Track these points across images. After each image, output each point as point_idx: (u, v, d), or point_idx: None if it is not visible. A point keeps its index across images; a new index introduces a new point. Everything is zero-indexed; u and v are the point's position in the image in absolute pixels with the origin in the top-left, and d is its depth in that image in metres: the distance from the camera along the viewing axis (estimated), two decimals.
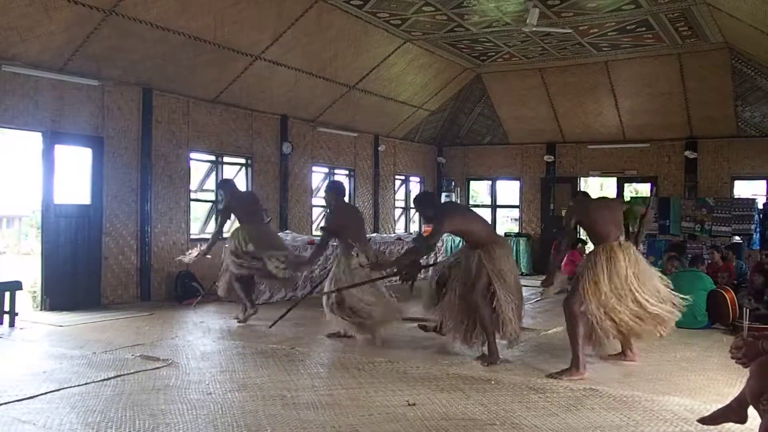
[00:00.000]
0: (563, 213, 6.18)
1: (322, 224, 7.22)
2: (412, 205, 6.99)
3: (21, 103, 8.21)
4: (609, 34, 11.15)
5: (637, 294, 5.70)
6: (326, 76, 11.63)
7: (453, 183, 16.29)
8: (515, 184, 16.30)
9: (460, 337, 6.27)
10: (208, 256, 8.33)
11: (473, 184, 17.58)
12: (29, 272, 9.47)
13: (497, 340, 6.07)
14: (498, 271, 5.99)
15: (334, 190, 7.34)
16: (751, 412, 3.24)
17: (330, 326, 7.11)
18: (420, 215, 6.70)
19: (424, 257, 7.00)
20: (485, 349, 6.10)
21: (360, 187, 14.24)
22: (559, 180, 15.37)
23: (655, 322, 5.83)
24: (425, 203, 6.46)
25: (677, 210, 12.62)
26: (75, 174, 9.21)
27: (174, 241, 10.07)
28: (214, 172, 11.08)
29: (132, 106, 9.51)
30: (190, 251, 8.62)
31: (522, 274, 14.46)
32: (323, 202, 13.54)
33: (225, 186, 8.46)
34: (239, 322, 7.91)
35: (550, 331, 7.60)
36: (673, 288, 8.20)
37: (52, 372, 5.47)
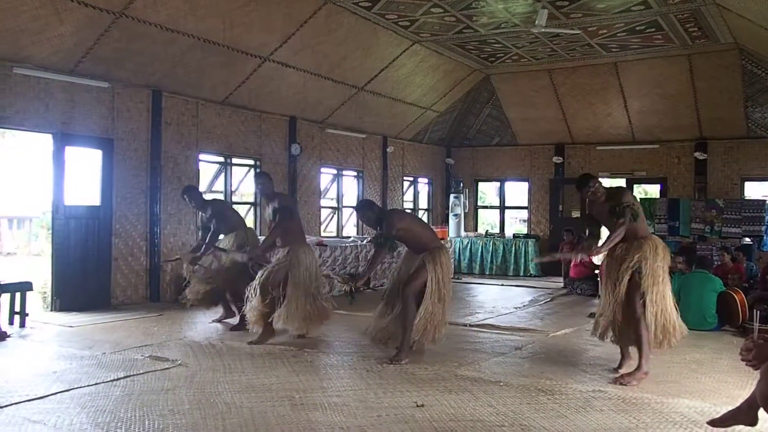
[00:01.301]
0: (622, 207, 5.73)
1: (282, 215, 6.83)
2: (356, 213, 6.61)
3: (32, 105, 8.26)
4: (618, 34, 11.12)
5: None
6: (335, 77, 11.64)
7: (461, 184, 16.27)
8: (524, 186, 16.27)
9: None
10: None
11: (482, 186, 17.55)
12: (39, 273, 9.52)
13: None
14: (438, 278, 6.11)
15: (268, 175, 7.39)
16: (762, 414, 3.23)
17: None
18: (364, 221, 6.62)
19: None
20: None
21: (368, 189, 14.24)
22: (567, 181, 15.32)
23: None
24: (365, 209, 6.46)
25: (687, 211, 12.57)
26: (85, 175, 9.26)
27: (183, 243, 10.09)
28: (222, 174, 11.12)
29: (141, 108, 9.55)
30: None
31: (530, 275, 14.53)
32: (332, 204, 13.65)
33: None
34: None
35: (558, 333, 7.59)
36: (681, 288, 8.21)
37: (62, 372, 5.50)
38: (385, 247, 6.18)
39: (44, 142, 8.81)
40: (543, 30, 9.80)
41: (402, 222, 6.28)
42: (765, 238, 11.89)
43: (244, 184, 11.72)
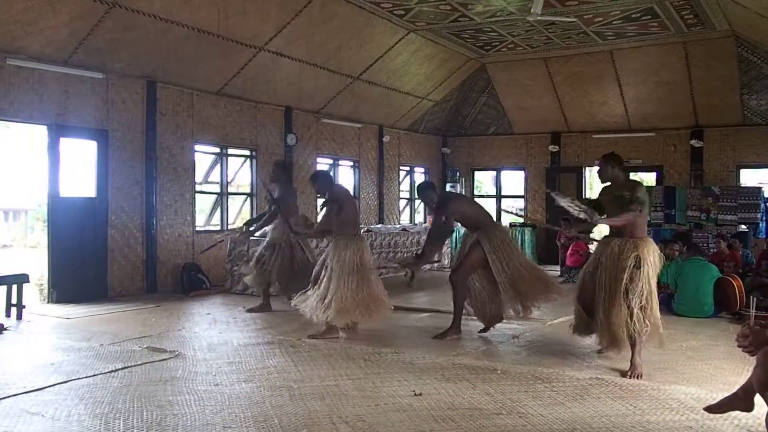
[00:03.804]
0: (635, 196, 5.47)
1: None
2: (415, 195, 7.12)
3: (26, 96, 8.22)
4: (614, 22, 11.09)
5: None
6: (330, 67, 11.60)
7: (458, 173, 16.26)
8: (520, 174, 16.27)
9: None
10: None
11: (478, 175, 17.54)
12: (36, 265, 9.52)
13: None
14: (495, 255, 6.48)
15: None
16: (758, 400, 3.25)
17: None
18: (425, 203, 6.92)
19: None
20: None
21: (364, 178, 14.23)
22: (564, 170, 15.33)
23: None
24: (428, 189, 6.96)
25: (683, 199, 12.59)
26: (80, 167, 9.23)
27: (180, 233, 10.09)
28: (218, 165, 11.09)
29: (136, 99, 9.51)
30: None
31: None
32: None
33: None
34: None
35: (555, 321, 7.61)
36: (678, 276, 8.23)
37: (59, 364, 5.50)
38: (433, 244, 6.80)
39: (39, 133, 8.77)
40: (539, 18, 9.76)
41: (459, 207, 6.84)
42: (761, 225, 11.93)
43: (240, 174, 11.69)
